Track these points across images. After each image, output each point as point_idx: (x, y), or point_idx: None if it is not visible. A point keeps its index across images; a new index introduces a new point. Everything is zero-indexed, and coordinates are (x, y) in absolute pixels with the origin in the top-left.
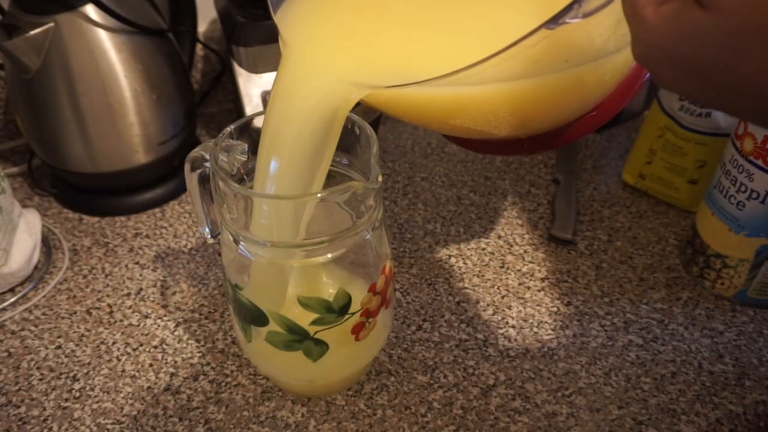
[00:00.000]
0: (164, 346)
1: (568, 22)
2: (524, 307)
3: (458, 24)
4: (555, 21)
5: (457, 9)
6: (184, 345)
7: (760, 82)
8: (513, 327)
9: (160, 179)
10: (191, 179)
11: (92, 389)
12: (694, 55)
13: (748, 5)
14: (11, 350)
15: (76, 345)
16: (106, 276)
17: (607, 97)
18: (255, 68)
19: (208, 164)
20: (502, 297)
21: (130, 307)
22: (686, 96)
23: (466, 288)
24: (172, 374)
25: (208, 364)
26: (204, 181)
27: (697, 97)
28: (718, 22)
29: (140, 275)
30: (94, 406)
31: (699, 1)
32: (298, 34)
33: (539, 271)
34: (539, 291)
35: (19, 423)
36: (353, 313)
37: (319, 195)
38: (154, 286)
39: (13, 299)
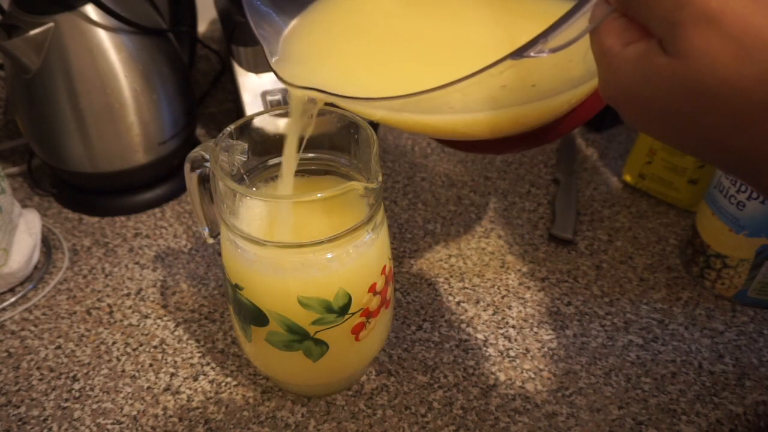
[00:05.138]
0: (164, 346)
1: (533, 56)
2: (524, 307)
3: (424, 55)
4: (519, 54)
5: (424, 41)
6: (184, 345)
7: (722, 134)
8: (513, 327)
9: (160, 179)
10: (191, 179)
11: (92, 389)
12: (657, 99)
13: (709, 56)
14: (11, 350)
15: (76, 345)
16: (106, 276)
17: (591, 95)
18: (255, 68)
19: (208, 164)
20: (502, 297)
21: (130, 307)
22: (653, 137)
23: (466, 288)
24: (172, 374)
25: (208, 364)
26: (204, 181)
27: (662, 140)
28: (681, 70)
29: (140, 275)
30: (94, 406)
31: (663, 45)
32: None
33: (539, 271)
34: (539, 291)
35: (19, 423)
36: (353, 313)
37: (319, 195)
38: (154, 286)
39: (13, 299)
